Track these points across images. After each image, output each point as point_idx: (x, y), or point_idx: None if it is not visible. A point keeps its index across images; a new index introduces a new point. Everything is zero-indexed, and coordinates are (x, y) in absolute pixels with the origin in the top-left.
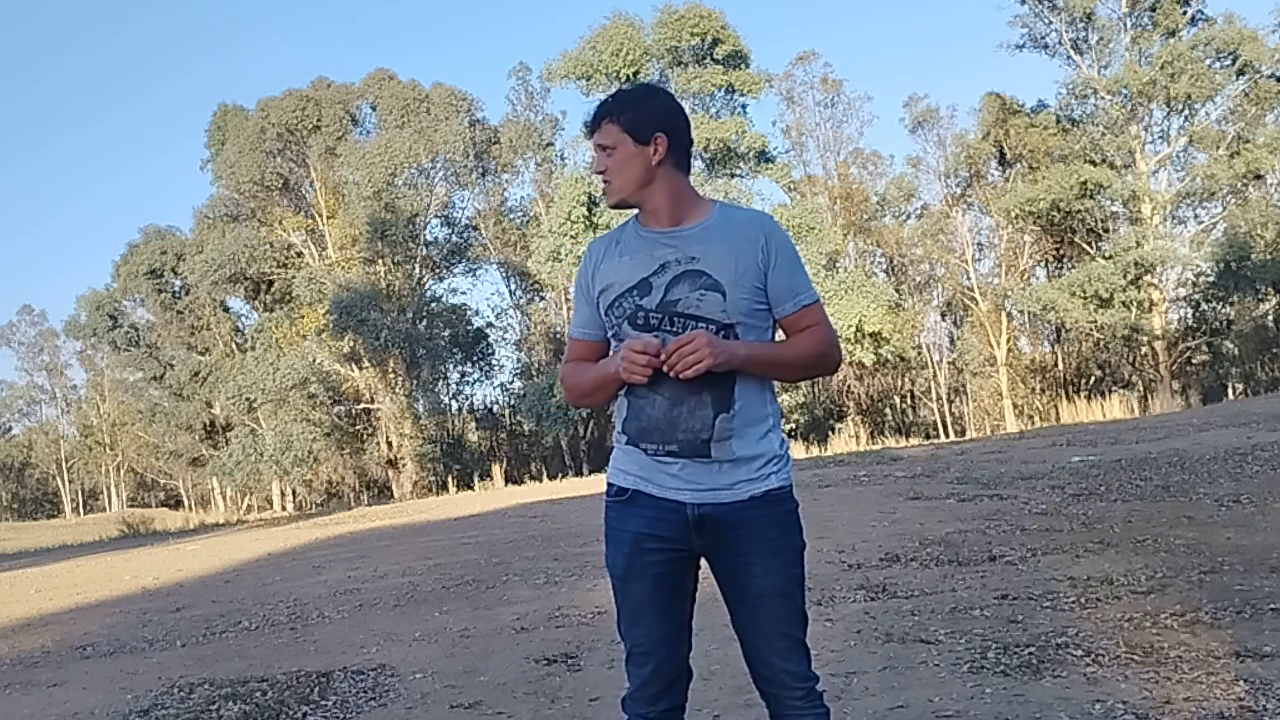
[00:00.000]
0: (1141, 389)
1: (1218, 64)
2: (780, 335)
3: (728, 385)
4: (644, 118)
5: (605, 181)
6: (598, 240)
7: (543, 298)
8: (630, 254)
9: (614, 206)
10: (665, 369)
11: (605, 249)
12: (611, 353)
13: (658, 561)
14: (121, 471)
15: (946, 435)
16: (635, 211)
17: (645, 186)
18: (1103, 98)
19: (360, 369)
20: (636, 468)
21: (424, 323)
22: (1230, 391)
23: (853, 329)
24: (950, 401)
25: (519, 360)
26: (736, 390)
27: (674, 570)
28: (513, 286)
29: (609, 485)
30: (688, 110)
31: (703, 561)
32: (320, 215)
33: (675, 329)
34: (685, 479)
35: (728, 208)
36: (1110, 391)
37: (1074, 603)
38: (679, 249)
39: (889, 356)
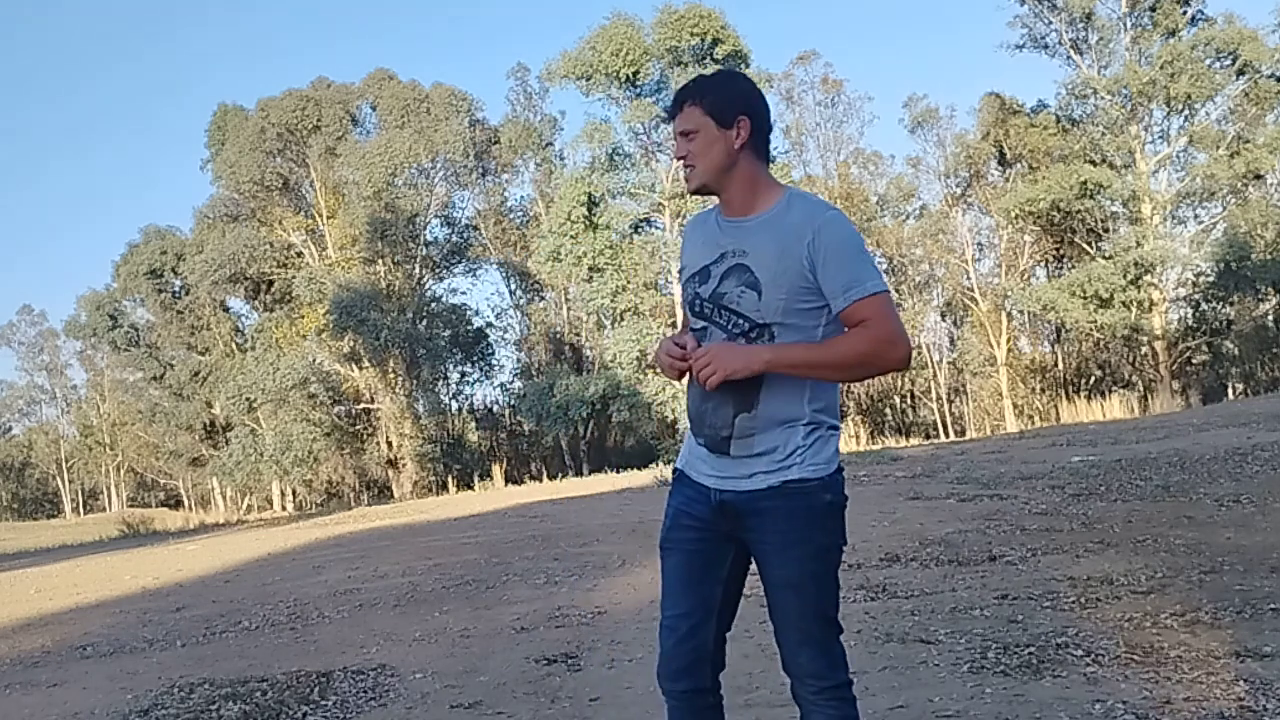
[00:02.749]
0: (1141, 389)
1: (1218, 64)
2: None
3: (753, 386)
4: (727, 100)
5: (688, 167)
6: (694, 218)
7: (543, 298)
8: (705, 239)
9: (694, 192)
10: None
11: (694, 228)
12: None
13: (690, 538)
14: (121, 471)
15: (946, 435)
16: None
17: (726, 172)
18: (1103, 98)
19: (360, 369)
20: (686, 451)
21: (424, 323)
22: (1230, 391)
23: None
24: (950, 401)
25: (519, 360)
26: (762, 392)
27: (706, 548)
28: (513, 286)
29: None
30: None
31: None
32: (320, 215)
33: (722, 320)
34: (710, 464)
35: (795, 197)
36: (1110, 391)
37: (1074, 603)
38: (737, 240)
39: None
